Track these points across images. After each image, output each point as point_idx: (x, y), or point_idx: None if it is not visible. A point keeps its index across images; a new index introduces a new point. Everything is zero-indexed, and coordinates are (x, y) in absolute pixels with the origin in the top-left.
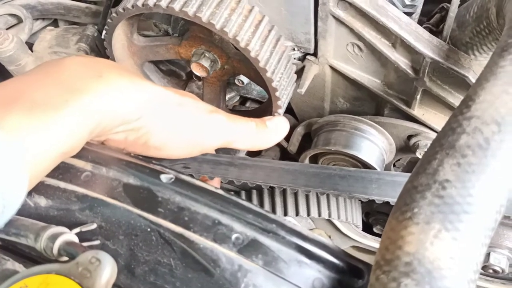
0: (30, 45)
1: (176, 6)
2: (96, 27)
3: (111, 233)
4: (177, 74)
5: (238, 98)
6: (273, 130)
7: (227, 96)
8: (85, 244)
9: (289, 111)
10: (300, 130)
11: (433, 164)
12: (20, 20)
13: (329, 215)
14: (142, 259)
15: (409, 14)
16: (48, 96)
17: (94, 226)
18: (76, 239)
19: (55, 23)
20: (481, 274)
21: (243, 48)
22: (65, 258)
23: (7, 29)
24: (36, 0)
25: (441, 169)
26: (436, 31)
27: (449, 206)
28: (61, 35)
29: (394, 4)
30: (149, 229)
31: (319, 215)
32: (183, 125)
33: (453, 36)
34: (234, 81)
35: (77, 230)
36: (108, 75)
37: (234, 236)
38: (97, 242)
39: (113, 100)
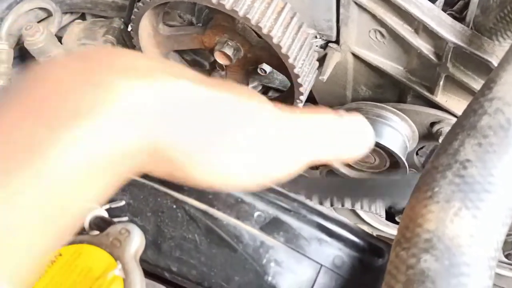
0: (59, 39)
1: None
2: (122, 20)
3: (138, 210)
4: (200, 64)
5: (260, 87)
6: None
7: (250, 86)
8: (114, 220)
9: (311, 99)
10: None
11: (454, 145)
12: (49, 14)
13: (352, 205)
14: (168, 235)
15: (431, 1)
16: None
17: (123, 203)
18: (106, 214)
19: (82, 17)
20: (505, 263)
21: (266, 35)
22: (96, 232)
23: (37, 22)
24: None
25: (462, 149)
26: (459, 17)
27: (469, 185)
28: (89, 28)
29: None
30: (174, 206)
31: (342, 205)
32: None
33: (477, 22)
34: (257, 71)
35: (107, 206)
36: (115, 74)
37: (256, 214)
38: (125, 219)
39: (129, 120)
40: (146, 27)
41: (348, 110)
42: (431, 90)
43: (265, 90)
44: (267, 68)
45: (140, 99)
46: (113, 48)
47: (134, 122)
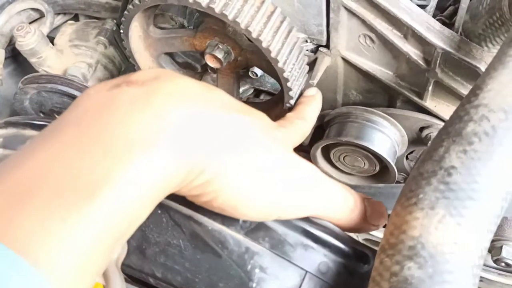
0: (51, 39)
1: None
2: (115, 21)
3: None
4: (192, 67)
5: (252, 90)
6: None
7: (241, 89)
8: None
9: None
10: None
11: (440, 151)
12: (42, 15)
13: None
14: (153, 240)
15: (422, 7)
16: (81, 173)
17: None
18: None
19: (75, 18)
20: (493, 268)
21: (255, 39)
22: None
23: (29, 23)
24: None
25: (447, 156)
26: (449, 23)
27: (454, 192)
28: (81, 29)
29: None
30: (159, 211)
31: None
32: (276, 177)
33: (466, 28)
34: (248, 74)
35: None
36: (165, 106)
37: (241, 219)
38: None
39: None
40: (137, 30)
41: (339, 114)
42: (420, 95)
43: (256, 93)
44: (258, 71)
45: (188, 126)
46: (160, 73)
47: (183, 149)
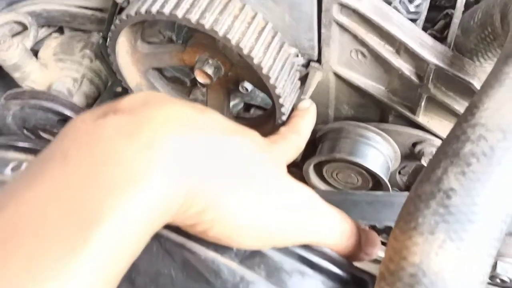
0: (35, 52)
1: (179, 13)
2: (101, 34)
3: None
4: (181, 81)
5: (242, 105)
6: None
7: (231, 103)
8: None
9: None
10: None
11: (437, 173)
12: (25, 28)
13: None
14: (142, 269)
15: (413, 21)
16: (69, 218)
17: None
18: None
19: (60, 30)
20: (488, 283)
21: (246, 55)
22: None
23: (12, 36)
24: (42, 8)
25: (445, 177)
26: (440, 37)
27: (453, 215)
28: (66, 42)
29: (398, 10)
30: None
31: None
32: (273, 203)
33: (458, 42)
34: (238, 88)
35: None
36: (161, 136)
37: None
38: None
39: (168, 187)
40: (124, 45)
41: (331, 130)
42: (413, 111)
43: (246, 107)
44: (249, 85)
45: (180, 154)
46: (150, 97)
47: (176, 178)
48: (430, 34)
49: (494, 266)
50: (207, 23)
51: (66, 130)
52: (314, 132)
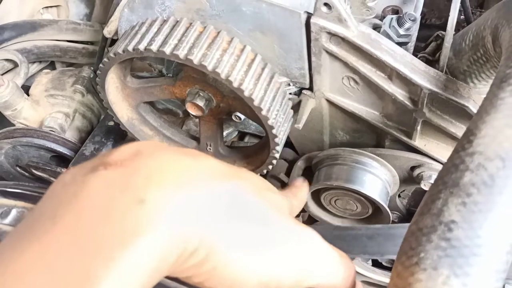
0: (27, 88)
1: (167, 50)
2: (92, 68)
3: None
4: (173, 113)
5: (236, 133)
6: None
7: (226, 132)
8: None
9: (289, 144)
10: (300, 164)
11: (438, 204)
12: (16, 65)
13: None
14: None
15: (404, 44)
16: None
17: None
18: None
19: (52, 65)
20: None
21: (237, 88)
22: None
23: (3, 74)
24: (32, 44)
25: (446, 209)
26: (432, 60)
27: (456, 249)
28: (57, 78)
29: (388, 34)
30: None
31: None
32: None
33: (451, 64)
34: (231, 117)
35: None
36: (155, 187)
37: None
38: None
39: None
40: (113, 81)
41: (327, 157)
42: (409, 135)
43: (241, 136)
44: (241, 115)
45: (175, 206)
46: (141, 148)
47: (171, 232)
48: (422, 57)
49: None
50: (195, 58)
51: (55, 186)
52: (309, 158)
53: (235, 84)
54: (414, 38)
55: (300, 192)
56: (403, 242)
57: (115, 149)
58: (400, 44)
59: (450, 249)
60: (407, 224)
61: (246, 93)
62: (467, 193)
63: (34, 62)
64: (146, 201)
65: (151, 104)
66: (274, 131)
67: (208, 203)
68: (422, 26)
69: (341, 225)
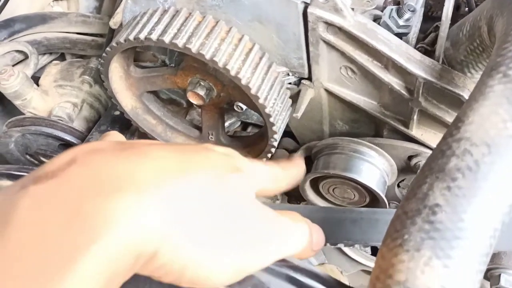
0: (37, 79)
1: (166, 39)
2: (100, 59)
3: None
4: (177, 103)
5: (239, 123)
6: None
7: (228, 122)
8: None
9: (290, 134)
10: (300, 153)
11: (423, 189)
12: (26, 56)
13: (334, 244)
14: None
15: (403, 34)
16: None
17: None
18: None
19: (62, 57)
20: None
21: (234, 77)
22: None
23: (14, 65)
24: (43, 36)
25: (431, 193)
26: (431, 50)
27: (439, 232)
28: (66, 69)
29: (387, 25)
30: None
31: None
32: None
33: (448, 55)
34: (233, 107)
35: None
36: (129, 176)
37: None
38: None
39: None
40: (117, 70)
41: (326, 146)
42: (406, 124)
43: (243, 126)
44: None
45: (115, 215)
46: (77, 154)
47: (114, 246)
48: (421, 48)
49: (498, 279)
50: (193, 47)
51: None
52: (309, 148)
53: (233, 73)
54: (416, 29)
55: (292, 167)
56: (389, 226)
57: (53, 159)
58: (399, 34)
59: (433, 232)
60: (392, 210)
61: (244, 82)
62: (452, 177)
63: (44, 54)
64: (78, 216)
65: (155, 93)
66: (271, 120)
67: (154, 206)
68: (428, 18)
69: (324, 207)
